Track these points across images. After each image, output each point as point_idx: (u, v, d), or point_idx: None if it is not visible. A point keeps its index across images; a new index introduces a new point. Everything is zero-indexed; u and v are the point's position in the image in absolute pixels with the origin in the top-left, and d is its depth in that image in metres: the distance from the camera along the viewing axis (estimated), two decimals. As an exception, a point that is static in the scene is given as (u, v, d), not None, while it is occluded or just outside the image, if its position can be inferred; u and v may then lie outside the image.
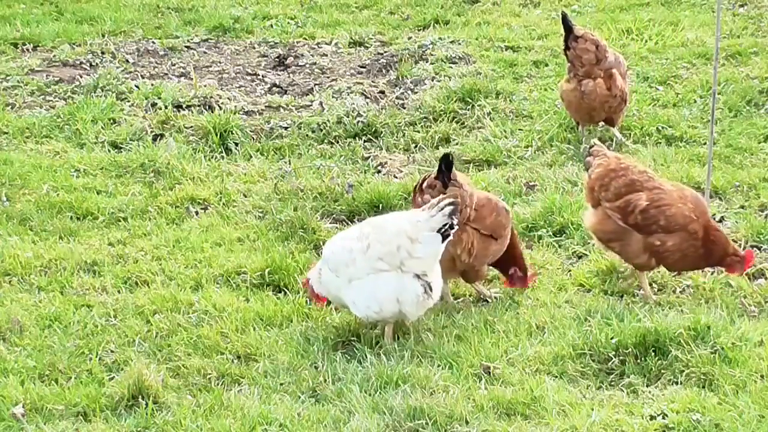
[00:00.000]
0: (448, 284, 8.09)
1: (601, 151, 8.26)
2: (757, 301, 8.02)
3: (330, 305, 7.82)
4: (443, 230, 7.36)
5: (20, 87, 11.68)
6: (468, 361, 7.26)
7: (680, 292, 8.17)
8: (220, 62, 12.51)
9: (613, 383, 7.13)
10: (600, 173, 8.11)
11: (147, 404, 6.91)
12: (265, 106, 11.34)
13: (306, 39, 13.06)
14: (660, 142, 10.28)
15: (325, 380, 7.13)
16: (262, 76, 12.13)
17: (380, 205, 9.23)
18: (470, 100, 11.06)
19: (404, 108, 11.13)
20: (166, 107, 11.07)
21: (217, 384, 7.18)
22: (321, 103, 11.22)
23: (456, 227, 7.41)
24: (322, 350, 7.42)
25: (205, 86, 11.60)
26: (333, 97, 11.36)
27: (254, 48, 12.91)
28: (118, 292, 8.19)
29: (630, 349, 7.26)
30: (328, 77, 12.04)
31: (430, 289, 7.46)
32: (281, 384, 7.16)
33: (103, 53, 12.48)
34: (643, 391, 7.02)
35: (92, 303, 8.03)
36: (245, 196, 9.60)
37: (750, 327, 7.49)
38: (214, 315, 7.85)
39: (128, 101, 11.30)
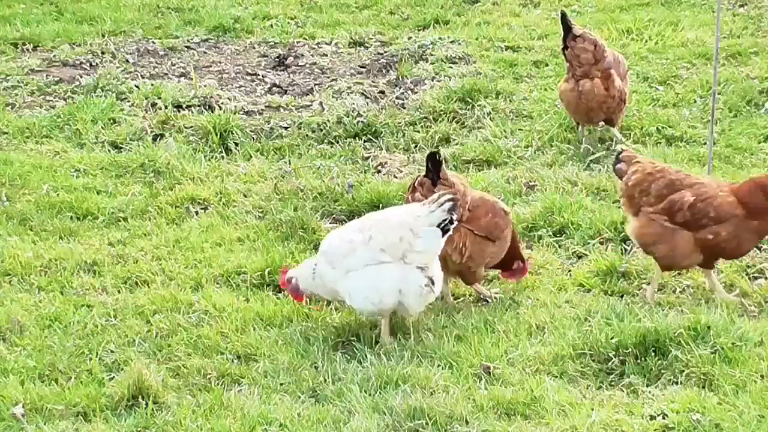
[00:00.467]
0: (448, 284, 8.09)
1: (632, 156, 8.20)
2: (757, 301, 8.02)
3: (311, 304, 7.82)
4: (443, 225, 7.36)
5: (20, 87, 11.68)
6: (468, 361, 7.26)
7: (680, 292, 8.17)
8: (220, 62, 12.51)
9: (613, 383, 7.13)
10: (638, 179, 8.03)
11: (147, 404, 6.91)
12: (265, 106, 11.34)
13: (306, 39, 13.06)
14: (660, 142, 10.28)
15: (325, 380, 7.13)
16: (262, 76, 12.13)
17: (380, 205, 9.21)
18: (470, 100, 11.07)
19: (404, 108, 11.13)
20: (166, 107, 11.07)
21: (217, 384, 7.18)
22: (321, 103, 11.22)
23: (456, 222, 7.40)
24: (322, 350, 7.42)
25: (205, 86, 11.60)
26: (333, 97, 11.36)
27: (254, 48, 12.91)
28: (118, 292, 8.19)
29: (630, 349, 7.26)
30: (328, 77, 12.04)
31: (432, 283, 7.46)
32: (281, 384, 7.16)
33: (103, 53, 12.49)
34: (643, 391, 7.02)
35: (92, 303, 8.03)
36: (245, 196, 9.60)
37: (750, 327, 7.49)
38: (214, 315, 7.86)
39: (128, 101, 11.30)
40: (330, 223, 9.19)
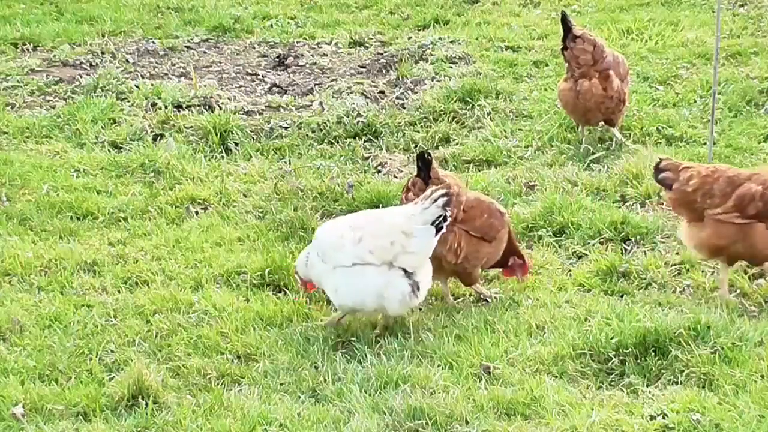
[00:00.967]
0: (447, 284, 8.09)
1: (675, 163, 8.15)
2: (757, 301, 8.02)
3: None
4: (437, 222, 7.34)
5: (20, 87, 11.69)
6: (468, 361, 7.26)
7: (680, 292, 8.17)
8: (220, 62, 12.51)
9: (613, 383, 7.13)
10: (698, 183, 7.96)
11: (147, 404, 6.91)
12: (265, 106, 11.34)
13: (306, 39, 13.07)
14: (660, 142, 10.28)
15: (325, 380, 7.13)
16: (262, 76, 12.14)
17: (380, 205, 9.21)
18: (470, 100, 11.07)
19: (404, 108, 11.13)
20: (166, 107, 11.08)
21: (217, 384, 7.18)
22: (321, 103, 11.22)
23: (449, 219, 7.39)
24: (322, 350, 7.42)
25: (205, 86, 11.61)
26: (333, 97, 11.36)
27: (254, 48, 12.91)
28: (118, 292, 8.19)
29: (630, 349, 7.26)
30: (328, 77, 12.04)
31: (418, 289, 7.45)
32: (281, 384, 7.16)
33: (103, 53, 12.49)
34: (643, 391, 7.02)
35: (92, 303, 8.03)
36: (245, 196, 9.60)
37: (750, 327, 7.49)
38: (214, 315, 7.85)
39: (128, 101, 11.30)
40: (330, 223, 9.20)
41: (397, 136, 10.63)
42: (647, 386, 7.07)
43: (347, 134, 10.65)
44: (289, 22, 13.49)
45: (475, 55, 12.29)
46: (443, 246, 7.80)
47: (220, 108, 11.12)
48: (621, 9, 13.47)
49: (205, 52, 12.79)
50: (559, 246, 8.77)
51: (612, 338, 7.33)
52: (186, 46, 12.90)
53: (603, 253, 8.56)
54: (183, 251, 8.72)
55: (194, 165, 10.06)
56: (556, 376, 7.17)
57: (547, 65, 11.99)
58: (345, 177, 9.75)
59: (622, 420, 6.73)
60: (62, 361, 7.34)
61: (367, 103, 11.18)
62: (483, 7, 13.82)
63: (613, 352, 7.27)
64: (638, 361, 7.22)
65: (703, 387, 7.01)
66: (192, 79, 11.74)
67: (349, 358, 7.36)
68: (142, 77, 11.93)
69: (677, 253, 8.55)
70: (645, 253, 8.57)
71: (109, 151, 10.41)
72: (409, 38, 12.91)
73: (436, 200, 7.33)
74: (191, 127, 10.76)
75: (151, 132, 10.72)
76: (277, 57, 12.53)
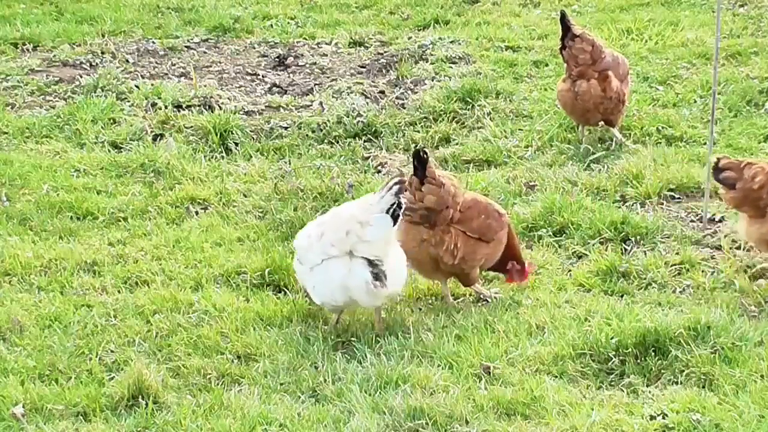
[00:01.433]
0: (447, 284, 8.09)
1: (735, 161, 8.17)
2: (757, 301, 8.02)
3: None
4: (392, 211, 7.33)
5: (20, 87, 11.69)
6: (468, 361, 7.26)
7: (680, 292, 8.17)
8: (220, 62, 12.51)
9: (613, 383, 7.13)
10: (764, 180, 8.00)
11: (147, 404, 6.91)
12: (265, 106, 11.34)
13: (306, 39, 13.06)
14: (660, 142, 10.28)
15: (325, 380, 7.13)
16: (262, 76, 12.13)
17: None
18: (470, 100, 11.06)
19: (404, 108, 11.13)
20: (166, 107, 11.07)
21: (217, 384, 7.18)
22: (321, 103, 11.22)
23: (403, 206, 7.37)
24: (322, 350, 7.42)
25: (205, 86, 11.60)
26: (333, 97, 11.36)
27: (254, 48, 12.91)
28: (118, 292, 8.19)
29: (630, 349, 7.26)
30: (328, 77, 12.04)
31: (384, 277, 7.44)
32: (281, 384, 7.16)
33: (103, 53, 12.48)
34: (643, 391, 7.02)
35: (92, 303, 8.03)
36: (245, 196, 9.60)
37: (750, 327, 7.49)
38: (214, 315, 7.85)
39: (128, 101, 11.30)
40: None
41: (397, 136, 10.63)
42: (647, 386, 7.07)
43: (347, 134, 10.65)
44: (289, 22, 13.49)
45: (475, 55, 12.29)
46: (440, 247, 7.81)
47: (220, 108, 11.12)
48: (621, 9, 13.47)
49: (205, 52, 12.79)
50: (559, 246, 8.77)
51: (612, 338, 7.33)
52: (186, 46, 12.89)
53: (603, 253, 8.56)
54: (183, 251, 8.72)
55: (194, 165, 10.06)
56: (556, 376, 7.17)
57: (547, 65, 11.99)
58: (345, 177, 9.75)
59: (622, 420, 6.73)
60: (62, 361, 7.34)
61: (367, 103, 11.18)
62: (483, 7, 13.82)
63: (613, 352, 7.27)
64: (638, 361, 7.22)
65: (703, 387, 7.01)
66: (192, 79, 11.74)
67: (349, 358, 7.36)
68: (142, 77, 11.93)
69: (677, 253, 8.55)
70: (645, 253, 8.57)
71: (109, 151, 10.41)
72: (409, 38, 12.91)
73: (390, 188, 7.34)
74: (191, 127, 10.76)
75: (151, 132, 10.71)
76: (277, 57, 12.53)
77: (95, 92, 11.42)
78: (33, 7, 13.87)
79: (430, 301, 8.12)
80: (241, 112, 11.10)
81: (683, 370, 7.12)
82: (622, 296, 8.09)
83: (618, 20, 13.00)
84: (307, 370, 7.24)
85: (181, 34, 13.14)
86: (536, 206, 9.14)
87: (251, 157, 10.30)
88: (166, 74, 12.12)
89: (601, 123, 10.29)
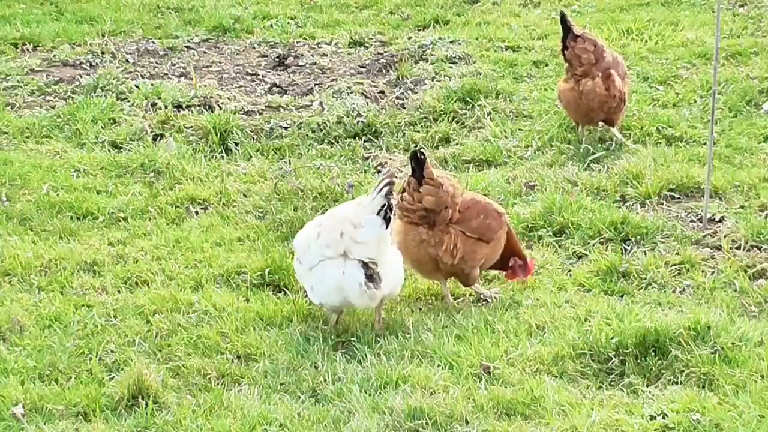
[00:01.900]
0: (447, 285, 8.09)
1: None
2: (757, 301, 8.02)
3: None
4: (383, 212, 7.33)
5: (20, 87, 11.68)
6: (468, 361, 7.26)
7: (680, 292, 8.17)
8: (220, 62, 12.51)
9: (613, 383, 7.13)
10: None
11: (147, 404, 6.91)
12: (265, 106, 11.34)
13: (306, 39, 13.06)
14: (660, 142, 10.28)
15: (325, 380, 7.13)
16: (262, 76, 12.13)
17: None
18: (470, 100, 11.06)
19: (404, 108, 11.13)
20: (166, 107, 11.07)
21: (217, 384, 7.18)
22: (321, 103, 11.22)
23: (393, 208, 7.36)
24: (322, 350, 7.42)
25: (205, 86, 11.60)
26: (333, 97, 11.36)
27: (254, 48, 12.91)
28: (118, 292, 8.19)
29: (630, 349, 7.26)
30: (328, 77, 12.04)
31: (379, 279, 7.44)
32: (281, 384, 7.16)
33: (103, 53, 12.48)
34: (643, 391, 7.02)
35: (92, 303, 8.03)
36: (245, 196, 9.60)
37: (750, 327, 7.49)
38: (214, 315, 7.85)
39: (128, 101, 11.30)
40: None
41: (397, 136, 10.62)
42: (647, 386, 7.07)
43: (347, 134, 10.65)
44: (289, 22, 13.48)
45: (475, 55, 12.28)
46: (439, 247, 7.81)
47: (220, 108, 11.11)
48: (621, 9, 13.47)
49: (205, 52, 12.79)
50: (559, 246, 8.77)
51: (612, 338, 7.33)
52: (186, 46, 12.89)
53: (603, 253, 8.56)
54: (183, 251, 8.72)
55: (194, 165, 10.06)
56: (556, 376, 7.17)
57: (547, 65, 11.99)
58: (345, 177, 9.75)
59: (622, 420, 6.73)
60: (62, 361, 7.34)
61: (367, 103, 11.18)
62: (483, 7, 13.81)
63: (613, 352, 7.27)
64: (638, 361, 7.22)
65: (703, 387, 7.01)
66: (192, 79, 11.74)
67: (349, 358, 7.36)
68: (142, 77, 11.92)
69: (677, 253, 8.55)
70: (645, 253, 8.56)
71: (109, 151, 10.41)
72: (409, 38, 12.91)
73: (380, 190, 7.33)
74: (191, 127, 10.76)
75: (151, 132, 10.71)
76: (277, 57, 12.53)
77: (95, 92, 11.42)
78: (33, 7, 13.86)
79: (430, 301, 8.12)
80: (241, 112, 11.10)
81: (683, 370, 7.12)
82: (622, 296, 8.09)
83: (618, 20, 13.00)
84: (307, 370, 7.24)
85: (181, 34, 13.14)
86: (536, 206, 9.14)
87: (251, 157, 10.30)
88: (166, 74, 12.12)
89: (601, 123, 10.30)
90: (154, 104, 11.19)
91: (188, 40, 13.04)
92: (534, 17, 13.42)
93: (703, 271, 8.34)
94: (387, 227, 7.38)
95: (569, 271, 8.45)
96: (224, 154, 10.37)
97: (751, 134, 10.36)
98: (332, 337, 7.58)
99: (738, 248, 8.60)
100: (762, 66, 11.64)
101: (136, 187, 9.72)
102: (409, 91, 11.50)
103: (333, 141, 10.59)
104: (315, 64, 12.37)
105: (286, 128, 10.81)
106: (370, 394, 6.95)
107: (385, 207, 7.32)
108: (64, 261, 8.54)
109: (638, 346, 7.27)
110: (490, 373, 7.16)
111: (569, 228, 8.89)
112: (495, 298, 8.10)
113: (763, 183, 9.45)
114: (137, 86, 11.56)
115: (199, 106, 11.19)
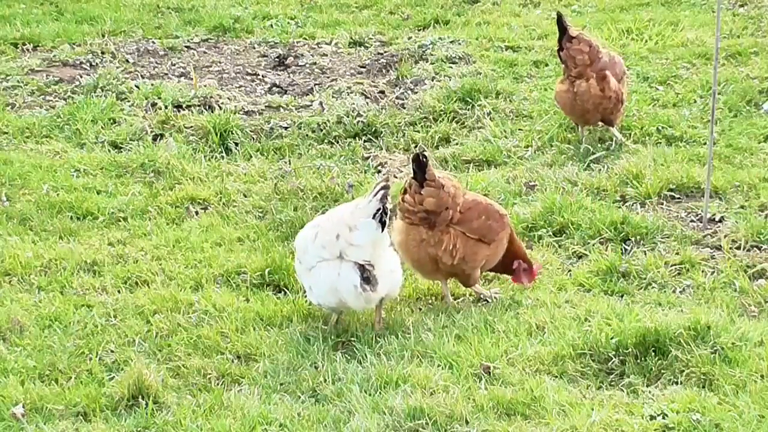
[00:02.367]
0: (447, 285, 8.09)
1: None
2: (757, 301, 8.02)
3: None
4: (378, 216, 7.33)
5: (20, 87, 11.68)
6: (468, 361, 7.26)
7: (680, 292, 8.17)
8: (220, 62, 12.51)
9: (613, 383, 7.13)
10: None
11: (147, 404, 6.92)
12: (265, 106, 11.34)
13: (306, 39, 13.06)
14: (660, 142, 10.28)
15: (325, 380, 7.13)
16: (262, 76, 12.13)
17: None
18: (470, 100, 11.06)
19: (404, 108, 11.13)
20: (166, 107, 11.07)
21: (217, 384, 7.18)
22: (321, 103, 11.22)
23: (388, 211, 7.37)
24: (322, 350, 7.42)
25: (205, 86, 11.60)
26: (333, 97, 11.36)
27: (254, 48, 12.91)
28: (118, 292, 8.19)
29: (630, 349, 7.26)
30: (328, 77, 12.04)
31: (375, 281, 7.44)
32: (281, 384, 7.16)
33: (103, 53, 12.48)
34: (643, 391, 7.02)
35: (92, 303, 8.04)
36: (245, 196, 9.60)
37: (750, 327, 7.49)
38: (214, 315, 7.86)
39: (128, 101, 11.30)
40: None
41: (397, 136, 10.63)
42: (647, 386, 7.07)
43: (347, 134, 10.65)
44: (289, 22, 13.48)
45: (475, 55, 12.29)
46: (438, 247, 7.81)
47: (220, 108, 11.11)
48: (621, 9, 13.47)
49: (205, 52, 12.79)
50: (559, 246, 8.77)
51: (612, 338, 7.33)
52: (186, 46, 12.89)
53: (603, 253, 8.56)
54: (183, 251, 8.72)
55: (194, 165, 10.06)
56: (556, 376, 7.17)
57: (547, 65, 11.99)
58: (345, 177, 9.76)
59: (622, 420, 6.73)
60: (62, 361, 7.34)
61: (367, 103, 11.18)
62: (483, 7, 13.81)
63: (613, 352, 7.27)
64: (638, 361, 7.22)
65: (703, 387, 7.02)
66: (192, 79, 11.74)
67: (349, 358, 7.36)
68: (142, 77, 11.92)
69: (677, 253, 8.55)
70: (645, 253, 8.56)
71: (109, 151, 10.41)
72: (409, 38, 12.91)
73: (376, 194, 7.34)
74: (191, 127, 10.76)
75: (151, 132, 10.71)
76: (277, 57, 12.53)
77: (95, 92, 11.42)
78: (33, 7, 13.86)
79: (430, 301, 8.12)
80: (241, 112, 11.10)
81: (683, 370, 7.12)
82: (622, 296, 8.09)
83: (618, 20, 13.00)
84: (307, 370, 7.24)
85: (181, 34, 13.14)
86: (536, 206, 9.14)
87: (251, 157, 10.30)
88: (166, 74, 12.12)
89: (600, 123, 10.30)
90: (154, 104, 11.19)
91: (188, 40, 13.04)
92: (534, 17, 13.42)
93: (703, 271, 8.34)
94: (383, 230, 7.38)
95: (569, 271, 8.45)
96: (224, 154, 10.38)
97: (751, 134, 10.36)
98: (332, 337, 7.58)
99: (738, 248, 8.60)
100: (762, 66, 11.64)
101: (136, 187, 9.73)
102: (409, 91, 11.50)
103: (333, 141, 10.59)
104: (315, 64, 12.38)
105: (286, 128, 10.81)
106: (370, 394, 6.95)
107: (381, 210, 7.33)
108: (64, 261, 8.54)
109: (638, 346, 7.27)
110: (490, 373, 7.16)
111: (569, 228, 8.89)
112: (495, 298, 8.10)
113: (763, 183, 9.45)
114: (137, 86, 11.56)
115: (199, 106, 11.19)
